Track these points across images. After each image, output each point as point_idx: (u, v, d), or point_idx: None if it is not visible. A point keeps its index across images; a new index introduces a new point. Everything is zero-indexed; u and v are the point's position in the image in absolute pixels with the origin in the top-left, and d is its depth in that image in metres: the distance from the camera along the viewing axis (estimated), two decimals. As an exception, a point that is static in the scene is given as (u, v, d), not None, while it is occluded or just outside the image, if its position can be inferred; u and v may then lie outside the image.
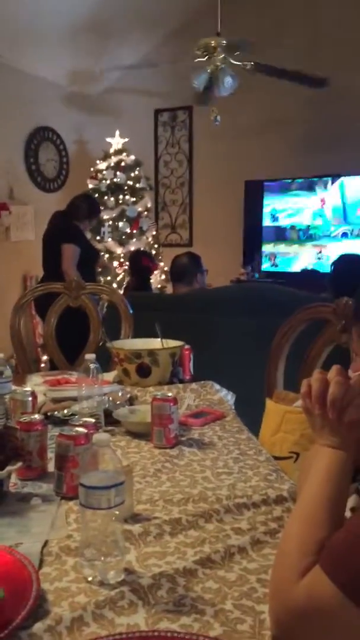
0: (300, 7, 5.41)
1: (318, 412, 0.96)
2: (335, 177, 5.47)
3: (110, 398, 1.75)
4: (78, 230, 4.39)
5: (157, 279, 5.47)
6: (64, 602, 0.85)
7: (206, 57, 4.11)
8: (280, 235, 5.82)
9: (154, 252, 5.53)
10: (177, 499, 1.19)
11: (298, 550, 0.81)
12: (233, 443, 1.54)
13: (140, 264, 4.80)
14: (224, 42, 4.07)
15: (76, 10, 5.00)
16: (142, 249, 5.42)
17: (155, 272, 5.29)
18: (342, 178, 5.45)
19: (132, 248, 5.48)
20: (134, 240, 5.49)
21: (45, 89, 5.72)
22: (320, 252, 5.61)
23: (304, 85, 4.47)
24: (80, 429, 1.25)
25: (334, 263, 3.60)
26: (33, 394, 1.61)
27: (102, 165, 5.59)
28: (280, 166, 5.65)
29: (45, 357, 5.02)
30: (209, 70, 4.11)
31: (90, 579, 0.91)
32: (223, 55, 4.09)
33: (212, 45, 4.07)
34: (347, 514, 0.93)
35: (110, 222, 5.53)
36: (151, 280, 5.07)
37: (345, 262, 3.51)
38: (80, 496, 0.92)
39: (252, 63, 4.20)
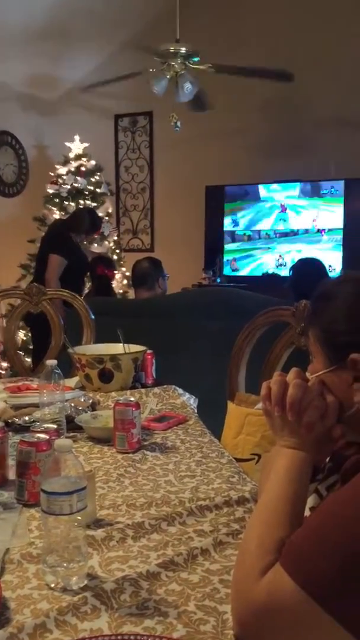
0: (259, 11, 5.47)
1: (278, 414, 0.98)
2: (296, 182, 5.55)
3: (73, 404, 1.74)
4: (68, 241, 4.41)
5: (119, 284, 5.45)
6: (26, 609, 0.85)
7: (165, 64, 4.13)
8: (241, 239, 5.87)
9: (115, 257, 5.51)
10: (140, 503, 1.19)
11: (259, 549, 0.82)
12: (195, 446, 1.55)
13: (96, 272, 4.79)
14: (183, 48, 4.10)
15: (33, 14, 4.97)
16: (101, 253, 5.38)
17: (116, 277, 5.26)
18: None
19: (96, 251, 5.45)
20: (96, 245, 5.47)
21: (3, 93, 5.66)
22: (280, 256, 5.68)
23: (269, 79, 4.46)
24: (42, 436, 1.24)
25: (293, 267, 3.66)
26: (-7, 401, 1.59)
27: (62, 170, 5.55)
28: (241, 171, 5.70)
29: (5, 364, 4.95)
30: (168, 77, 4.13)
31: (52, 585, 0.90)
32: (182, 61, 4.11)
33: (171, 51, 4.10)
34: (307, 513, 0.95)
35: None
36: (113, 286, 5.05)
37: (304, 266, 3.57)
38: (42, 502, 0.92)
39: (211, 65, 4.23)
